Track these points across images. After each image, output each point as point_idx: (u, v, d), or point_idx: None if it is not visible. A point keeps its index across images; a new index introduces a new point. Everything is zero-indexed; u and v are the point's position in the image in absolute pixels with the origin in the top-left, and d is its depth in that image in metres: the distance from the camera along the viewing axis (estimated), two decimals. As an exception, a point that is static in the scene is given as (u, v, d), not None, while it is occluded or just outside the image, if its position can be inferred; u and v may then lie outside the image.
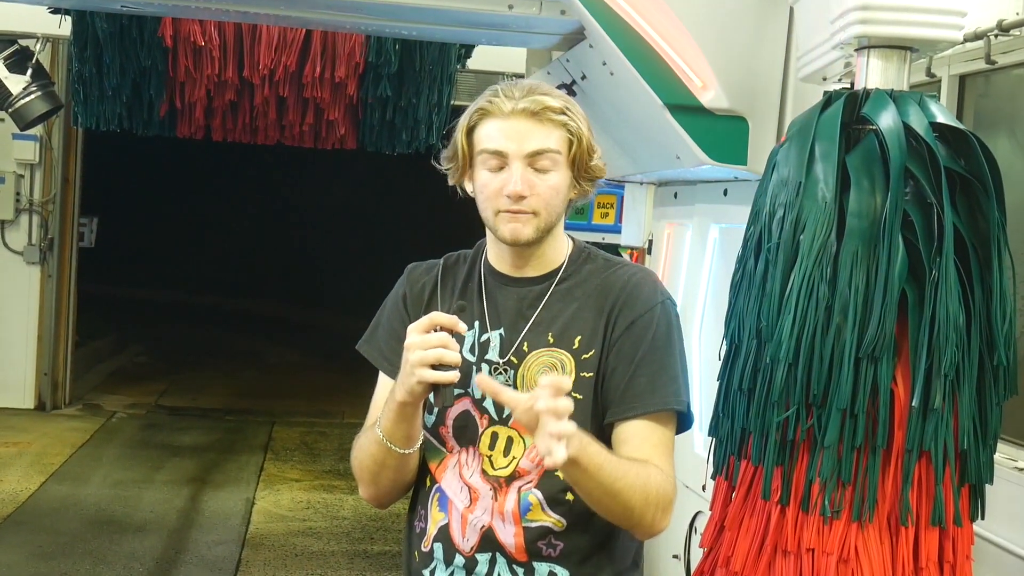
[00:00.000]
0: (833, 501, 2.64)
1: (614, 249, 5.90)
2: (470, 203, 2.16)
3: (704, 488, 3.81)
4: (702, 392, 3.89)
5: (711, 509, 2.97)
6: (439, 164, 2.14)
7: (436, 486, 2.12)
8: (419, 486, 2.16)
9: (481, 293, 2.13)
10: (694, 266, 4.39)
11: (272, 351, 14.29)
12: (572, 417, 1.91)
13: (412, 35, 4.66)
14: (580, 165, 2.07)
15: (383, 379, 2.17)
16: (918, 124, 2.67)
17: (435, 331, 1.91)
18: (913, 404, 2.59)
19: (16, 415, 9.38)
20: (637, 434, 2.03)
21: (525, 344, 2.06)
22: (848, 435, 2.62)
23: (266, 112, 6.45)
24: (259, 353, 14.28)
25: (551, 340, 2.06)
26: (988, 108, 4.65)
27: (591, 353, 2.05)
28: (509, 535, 2.05)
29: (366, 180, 17.43)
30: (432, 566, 2.11)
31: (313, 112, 6.49)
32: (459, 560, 2.08)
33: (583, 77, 4.03)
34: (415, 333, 1.91)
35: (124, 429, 9.37)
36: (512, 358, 2.07)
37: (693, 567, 3.98)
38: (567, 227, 6.70)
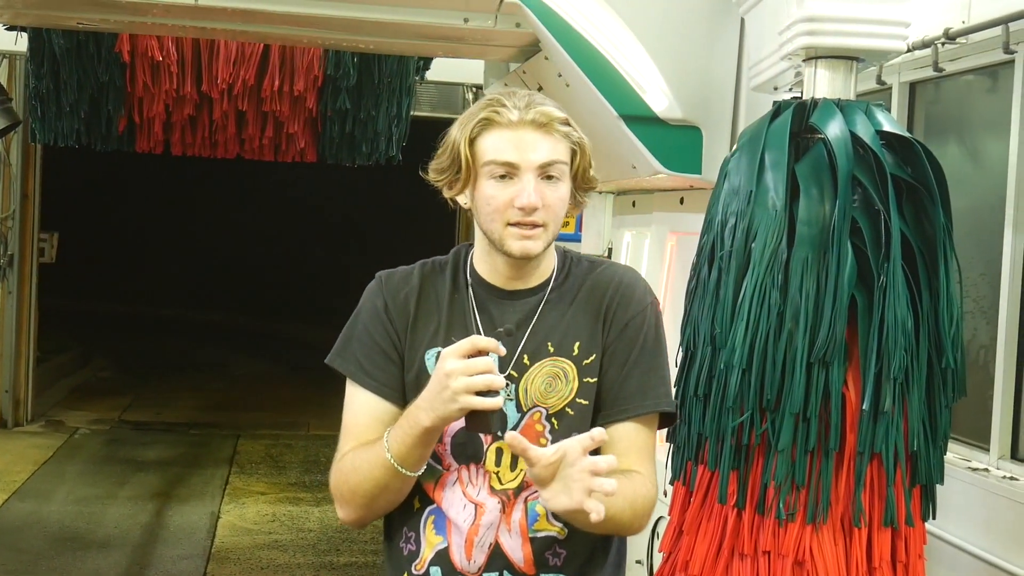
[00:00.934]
0: (788, 504, 2.69)
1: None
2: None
3: (666, 494, 3.85)
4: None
5: (670, 514, 3.01)
6: (425, 175, 2.08)
7: (430, 507, 2.06)
8: (403, 508, 2.07)
9: (472, 306, 2.07)
10: (652, 274, 4.43)
11: (238, 362, 14.25)
12: (578, 421, 1.99)
13: (369, 49, 4.69)
14: (581, 176, 2.06)
15: (360, 395, 2.06)
16: (865, 133, 2.73)
17: (475, 355, 1.85)
18: (864, 407, 2.64)
19: (-23, 432, 9.30)
20: (625, 437, 2.03)
21: (525, 357, 2.03)
22: (801, 439, 2.67)
23: (225, 126, 6.46)
24: (225, 365, 14.23)
25: (551, 349, 2.04)
26: (938, 114, 4.72)
27: (592, 358, 2.04)
28: (517, 548, 2.02)
29: (332, 191, 17.42)
30: None
31: (273, 125, 6.50)
32: None
33: (539, 88, 4.07)
34: (454, 358, 1.85)
35: (87, 445, 9.31)
36: (512, 372, 2.02)
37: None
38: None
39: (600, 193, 5.27)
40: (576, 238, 5.73)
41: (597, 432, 1.79)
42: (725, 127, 3.64)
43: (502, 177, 1.98)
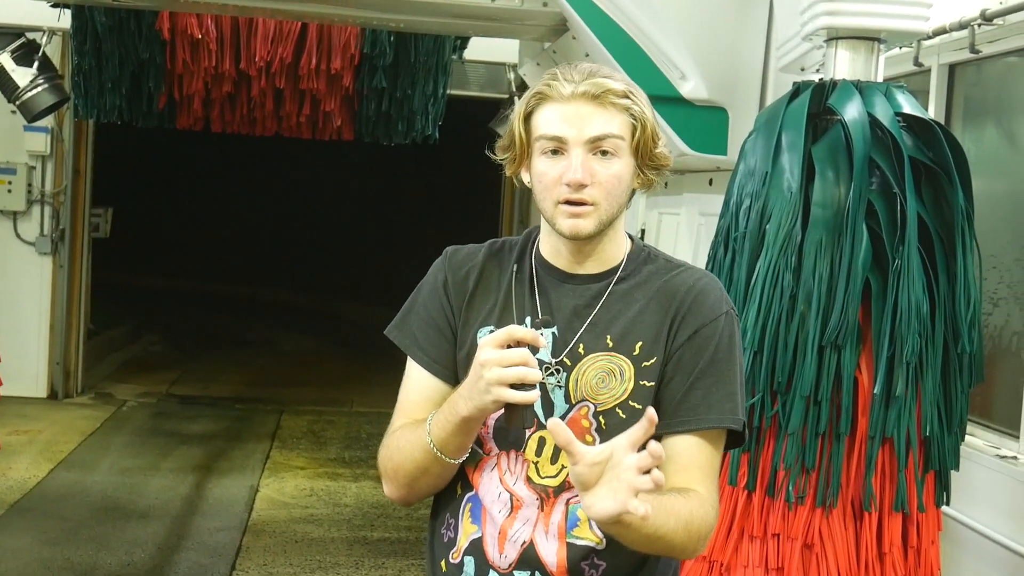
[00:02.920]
0: (798, 487, 2.69)
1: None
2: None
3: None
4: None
5: (683, 495, 3.01)
6: (493, 154, 1.98)
7: (470, 494, 1.97)
8: (447, 491, 2.00)
9: (533, 287, 1.96)
10: (683, 256, 4.42)
11: (285, 339, 14.36)
12: (629, 426, 1.75)
13: (401, 27, 4.71)
14: (644, 152, 1.89)
15: (415, 370, 2.00)
16: (883, 115, 2.70)
17: (512, 345, 1.77)
18: (876, 391, 2.63)
19: (29, 404, 9.46)
20: (686, 451, 1.88)
21: (581, 346, 1.91)
22: (812, 422, 2.66)
23: (263, 103, 6.50)
24: (272, 341, 14.36)
25: (610, 344, 1.90)
26: (978, 97, 4.66)
27: (652, 360, 1.90)
28: (551, 552, 1.90)
29: (381, 170, 17.50)
30: None
31: (310, 103, 6.54)
32: None
33: (569, 68, 4.07)
34: (490, 348, 1.77)
35: (134, 417, 9.45)
36: (565, 359, 1.91)
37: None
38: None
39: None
40: (611, 219, 5.72)
41: (655, 447, 1.62)
42: (752, 108, 3.62)
43: (553, 153, 1.88)
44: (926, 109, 4.29)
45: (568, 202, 1.86)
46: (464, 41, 6.80)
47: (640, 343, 1.90)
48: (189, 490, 7.18)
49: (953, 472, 2.78)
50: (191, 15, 6.08)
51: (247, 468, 7.83)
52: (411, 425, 1.94)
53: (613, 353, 1.89)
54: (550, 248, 1.97)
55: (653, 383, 1.89)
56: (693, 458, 1.87)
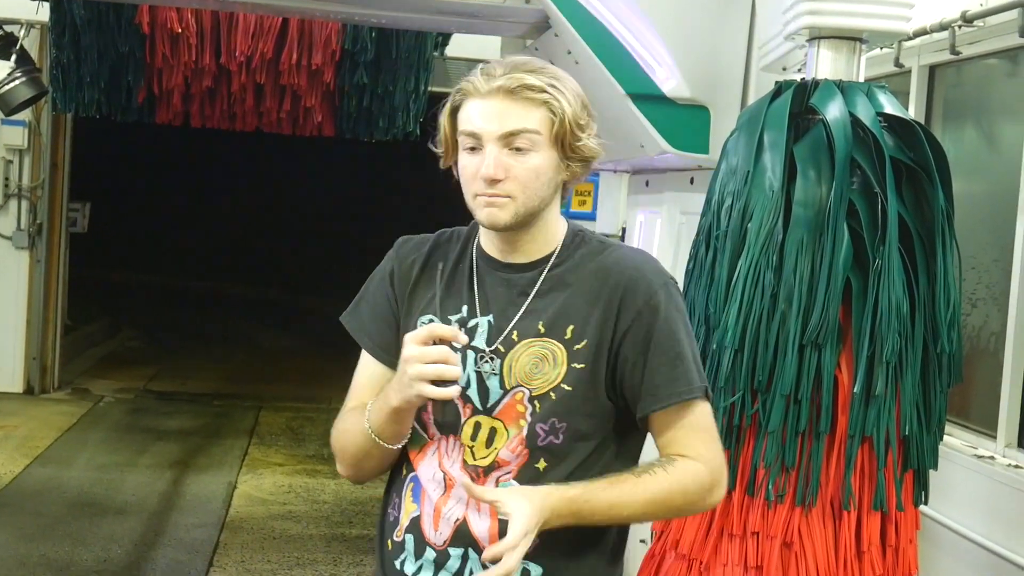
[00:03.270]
0: (777, 485, 2.69)
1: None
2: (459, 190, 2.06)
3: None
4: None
5: (663, 493, 3.01)
6: (435, 147, 2.04)
7: (411, 475, 2.03)
8: (395, 473, 2.08)
9: (472, 276, 2.03)
10: (663, 255, 4.42)
11: (264, 336, 14.33)
12: (561, 408, 1.92)
13: (383, 23, 4.69)
14: (566, 145, 1.93)
15: (365, 357, 2.09)
16: (865, 115, 2.71)
17: (435, 343, 1.84)
18: (855, 390, 2.63)
19: (5, 399, 9.41)
20: (668, 424, 1.96)
21: (515, 333, 1.96)
22: (792, 420, 2.66)
23: (243, 99, 6.47)
24: (251, 338, 14.32)
25: (542, 330, 1.96)
26: (958, 98, 4.67)
27: (583, 344, 1.95)
28: (484, 528, 1.95)
29: (361, 167, 17.47)
30: (402, 557, 2.03)
31: (290, 99, 6.51)
32: (430, 554, 1.99)
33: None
34: (413, 345, 1.84)
35: (111, 413, 9.41)
36: (500, 347, 1.97)
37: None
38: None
39: (616, 172, 5.26)
40: (592, 217, 5.72)
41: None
42: (734, 107, 3.61)
43: (472, 148, 1.94)
44: (906, 110, 4.32)
45: (485, 195, 1.92)
46: (446, 38, 6.79)
47: (571, 327, 1.95)
48: (166, 486, 7.15)
49: (931, 472, 2.79)
50: (171, 9, 6.04)
51: (225, 464, 7.81)
52: (358, 409, 2.02)
53: (545, 339, 1.95)
54: (486, 239, 2.04)
55: (584, 365, 1.94)
56: (678, 427, 1.96)
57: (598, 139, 1.99)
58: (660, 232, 4.52)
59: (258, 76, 6.34)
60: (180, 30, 6.12)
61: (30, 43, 7.17)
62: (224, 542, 6.10)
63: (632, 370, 1.95)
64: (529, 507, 1.82)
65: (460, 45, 6.80)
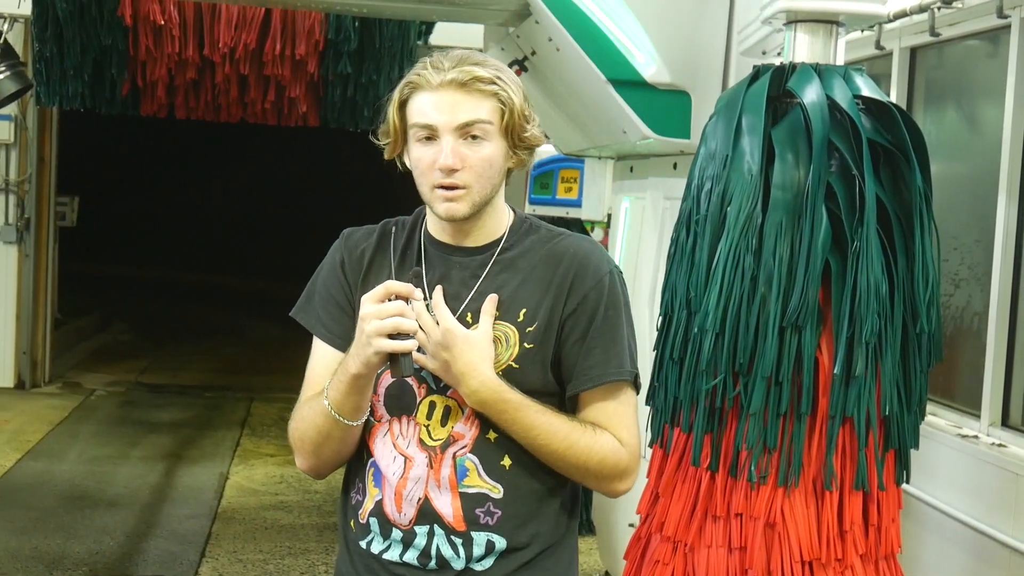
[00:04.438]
0: (760, 467, 2.70)
1: (579, 224, 5.95)
2: None
3: (645, 458, 3.88)
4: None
5: (648, 477, 3.03)
6: (376, 139, 2.12)
7: (371, 460, 2.10)
8: (356, 458, 2.14)
9: (421, 262, 2.10)
10: (648, 239, 4.44)
11: (255, 327, 14.34)
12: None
13: (364, 12, 4.69)
14: (514, 134, 2.04)
15: (319, 347, 2.15)
16: (842, 97, 2.71)
17: (390, 300, 1.91)
18: (836, 371, 2.65)
19: (-5, 394, 9.42)
20: (595, 404, 2.07)
21: (469, 315, 2.04)
22: (773, 402, 2.67)
23: (228, 90, 6.46)
24: (242, 329, 14.34)
25: (496, 313, 2.04)
26: (940, 80, 4.69)
27: (535, 325, 2.04)
28: (446, 504, 2.03)
29: (353, 157, 17.45)
30: (369, 538, 2.11)
31: (275, 90, 6.50)
32: (396, 534, 2.07)
33: (533, 53, 4.07)
34: (370, 303, 1.91)
35: (102, 406, 9.42)
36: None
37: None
38: (534, 202, 6.67)
39: (600, 159, 5.27)
40: (578, 204, 5.73)
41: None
42: (715, 92, 3.63)
43: (427, 139, 2.00)
44: (888, 93, 4.34)
45: (442, 187, 2.00)
46: (429, 27, 6.79)
47: (524, 310, 2.05)
48: (158, 478, 7.17)
49: (915, 451, 2.81)
50: (153, 1, 6.03)
51: (217, 456, 7.83)
52: (315, 396, 2.06)
53: (499, 321, 2.04)
54: (435, 225, 2.12)
55: (534, 346, 2.04)
56: (602, 408, 2.07)
57: (540, 128, 2.10)
58: (645, 217, 4.53)
59: (242, 67, 6.34)
60: (163, 22, 6.11)
61: (13, 37, 7.11)
62: (216, 533, 6.12)
63: (571, 350, 2.05)
64: (484, 345, 1.99)
65: (443, 33, 6.78)
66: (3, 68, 6.76)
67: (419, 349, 1.98)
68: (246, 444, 8.24)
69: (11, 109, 8.82)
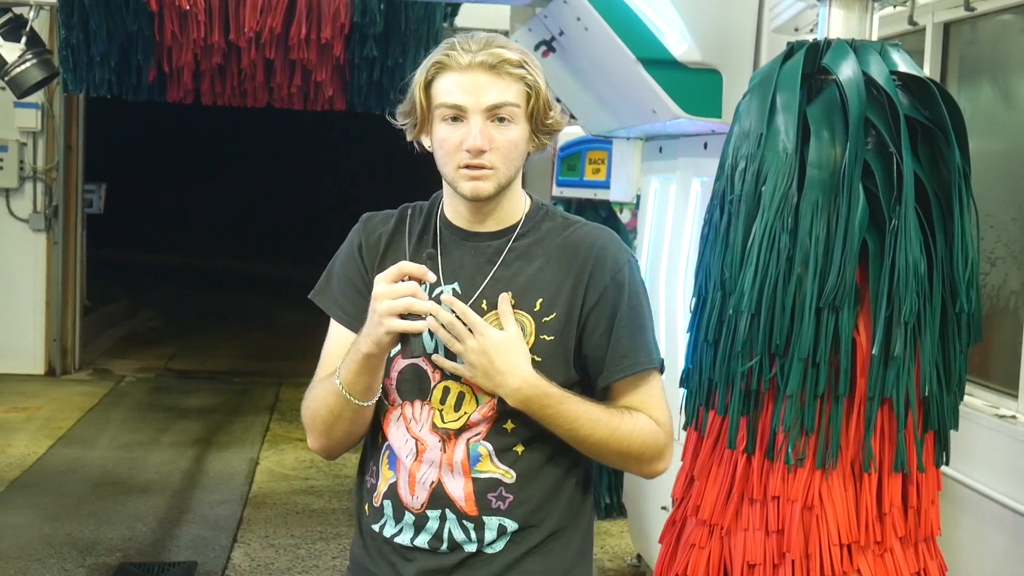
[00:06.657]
0: (797, 449, 2.67)
1: (607, 206, 5.92)
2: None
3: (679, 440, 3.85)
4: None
5: (682, 460, 3.01)
6: (395, 120, 2.11)
7: (386, 443, 2.11)
8: (370, 441, 2.16)
9: (437, 246, 2.11)
10: (678, 220, 4.40)
11: (282, 313, 14.36)
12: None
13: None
14: (538, 118, 2.04)
15: (336, 328, 2.16)
16: (878, 74, 2.67)
17: (403, 280, 1.92)
18: (874, 352, 2.61)
19: (27, 381, 9.48)
20: (626, 393, 2.08)
21: (484, 302, 2.05)
22: (811, 384, 2.64)
23: (254, 75, 6.43)
24: (269, 315, 14.38)
25: (512, 301, 2.04)
26: (974, 56, 4.62)
27: (552, 316, 2.04)
28: (458, 488, 2.05)
29: (382, 144, 17.46)
30: (382, 522, 2.12)
31: (301, 74, 6.48)
32: (409, 517, 2.08)
33: (561, 33, 4.03)
34: (383, 283, 1.92)
35: (132, 393, 9.46)
36: None
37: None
38: (561, 184, 6.62)
39: (628, 140, 5.23)
40: (605, 185, 5.69)
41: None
42: (746, 70, 3.58)
43: (454, 120, 2.00)
44: (921, 69, 4.27)
45: (468, 167, 2.00)
46: (455, 8, 6.74)
47: (540, 299, 2.05)
48: (189, 464, 7.19)
49: (952, 432, 2.77)
50: (178, -14, 6.01)
51: (247, 441, 7.85)
52: (328, 376, 2.07)
53: (515, 310, 2.03)
54: (452, 209, 2.12)
55: (553, 337, 2.04)
56: (635, 395, 2.08)
57: (561, 113, 2.10)
58: (674, 198, 4.49)
59: (268, 52, 6.31)
60: (188, 7, 6.09)
61: (39, 25, 7.13)
62: (247, 518, 6.13)
63: (598, 342, 2.06)
64: (519, 343, 1.99)
65: (469, 15, 6.74)
66: (29, 56, 6.77)
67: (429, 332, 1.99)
68: (275, 429, 8.26)
69: (38, 97, 8.85)
